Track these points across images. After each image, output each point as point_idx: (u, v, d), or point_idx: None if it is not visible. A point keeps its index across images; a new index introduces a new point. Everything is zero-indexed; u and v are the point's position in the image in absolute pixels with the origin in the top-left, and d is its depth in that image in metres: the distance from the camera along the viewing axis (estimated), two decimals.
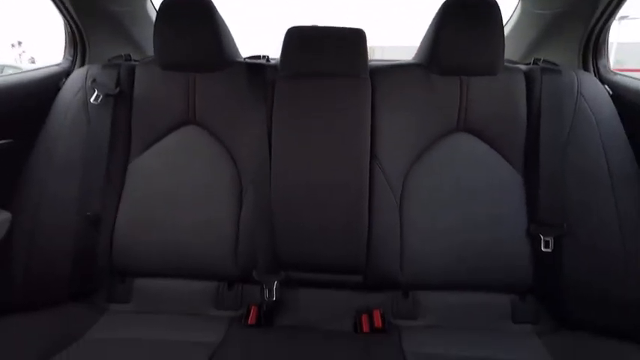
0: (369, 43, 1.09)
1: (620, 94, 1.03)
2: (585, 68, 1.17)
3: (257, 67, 1.10)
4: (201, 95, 1.08)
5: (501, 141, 1.03)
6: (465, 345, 0.88)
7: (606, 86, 1.05)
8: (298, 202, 1.00)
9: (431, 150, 1.04)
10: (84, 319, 0.94)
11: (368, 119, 1.02)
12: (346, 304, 1.00)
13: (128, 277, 1.04)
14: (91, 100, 1.05)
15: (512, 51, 1.30)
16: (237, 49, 1.19)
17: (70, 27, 1.22)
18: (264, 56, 1.24)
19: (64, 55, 1.26)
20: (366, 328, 0.94)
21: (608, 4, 1.06)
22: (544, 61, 1.10)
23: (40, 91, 1.09)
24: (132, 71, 1.10)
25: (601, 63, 1.16)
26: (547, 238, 0.95)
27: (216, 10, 1.07)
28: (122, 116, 1.08)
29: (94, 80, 1.07)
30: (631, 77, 1.06)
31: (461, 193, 1.00)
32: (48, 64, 1.21)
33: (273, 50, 1.22)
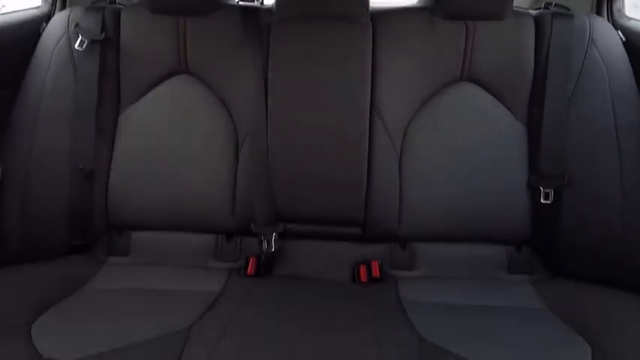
0: None
1: (632, 41, 0.98)
2: (599, 12, 1.11)
3: (251, 9, 1.04)
4: (193, 41, 1.02)
5: (506, 91, 1.00)
6: (460, 294, 0.90)
7: (619, 32, 1.00)
8: (296, 153, 0.97)
9: (433, 100, 1.01)
10: (83, 271, 0.95)
11: (368, 66, 0.98)
12: (344, 255, 1.00)
13: (126, 231, 1.03)
14: (76, 46, 0.99)
15: None
16: None
17: None
18: None
19: None
20: (364, 278, 0.95)
21: None
22: (555, 5, 1.05)
23: (20, 38, 1.02)
24: (117, 15, 1.04)
25: (615, 7, 1.10)
26: (547, 190, 0.95)
27: None
28: (110, 64, 1.03)
29: (76, 25, 1.00)
30: None
31: (462, 145, 0.99)
32: (25, 8, 1.13)
33: None
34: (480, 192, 0.97)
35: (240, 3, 1.11)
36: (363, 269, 0.96)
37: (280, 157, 0.97)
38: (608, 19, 1.09)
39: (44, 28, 1.05)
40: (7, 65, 1.00)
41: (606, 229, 0.90)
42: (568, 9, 1.04)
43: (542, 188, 0.95)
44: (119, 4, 1.11)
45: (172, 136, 1.02)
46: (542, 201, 0.95)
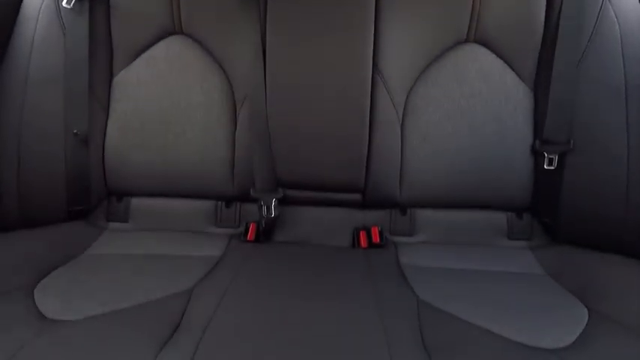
0: None
1: None
2: None
3: None
4: (187, 0, 0.98)
5: (514, 53, 0.97)
6: (459, 259, 0.90)
7: None
8: (296, 117, 0.95)
9: (437, 63, 0.98)
10: (83, 237, 0.95)
11: (371, 26, 0.93)
12: (344, 221, 1.00)
13: (125, 197, 1.03)
14: (63, 3, 0.95)
15: None
16: None
17: None
18: None
19: None
20: (363, 243, 0.96)
21: None
22: None
23: None
24: None
25: None
26: (551, 156, 0.93)
27: None
28: (100, 23, 0.98)
29: None
30: None
31: (466, 109, 0.96)
32: None
33: None
34: (482, 158, 0.96)
35: None
36: (362, 235, 0.96)
37: (279, 122, 0.95)
38: None
39: None
40: None
41: (609, 194, 0.89)
42: None
43: (546, 154, 0.93)
44: None
45: (168, 100, 0.99)
46: (545, 167, 0.93)
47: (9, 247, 0.86)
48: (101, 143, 1.00)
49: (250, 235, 0.96)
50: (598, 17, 0.91)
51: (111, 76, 1.01)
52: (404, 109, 0.97)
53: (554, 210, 0.94)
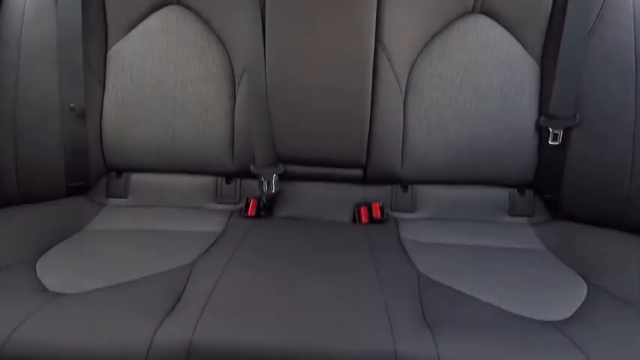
0: None
1: None
2: None
3: None
4: None
5: (521, 25, 0.94)
6: (460, 234, 0.90)
7: None
8: (296, 91, 0.93)
9: (442, 35, 0.95)
10: (83, 212, 0.95)
11: None
12: (345, 197, 1.00)
13: (124, 173, 1.02)
14: None
15: None
16: None
17: None
18: None
19: None
20: (364, 219, 0.95)
21: None
22: None
23: None
24: None
25: None
26: (556, 131, 0.92)
27: None
28: None
29: None
30: None
31: (470, 84, 0.94)
32: None
33: None
34: (486, 133, 0.95)
35: None
36: (364, 210, 0.96)
37: (279, 96, 0.93)
38: None
39: None
40: None
41: (613, 170, 0.88)
42: None
43: (551, 129, 0.92)
44: None
45: (165, 72, 0.97)
46: (550, 142, 0.92)
47: (9, 222, 0.86)
48: (98, 118, 0.98)
49: (251, 211, 0.96)
50: None
51: (106, 48, 0.99)
52: (407, 83, 0.95)
53: (557, 186, 0.94)
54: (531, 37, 0.94)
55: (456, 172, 0.98)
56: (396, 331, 0.57)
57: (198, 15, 0.98)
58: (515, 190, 0.99)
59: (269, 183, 0.94)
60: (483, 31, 0.95)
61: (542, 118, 0.93)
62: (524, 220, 0.98)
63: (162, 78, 0.97)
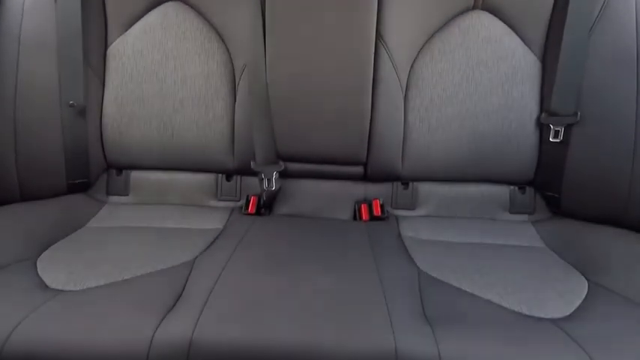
0: None
1: None
2: None
3: None
4: None
5: (523, 20, 0.93)
6: (460, 232, 0.90)
7: None
8: (296, 87, 0.93)
9: (444, 30, 0.95)
10: (84, 210, 0.95)
11: None
12: (346, 194, 0.99)
13: (125, 170, 1.02)
14: None
15: None
16: None
17: None
18: None
19: None
20: (365, 216, 0.95)
21: None
22: None
23: None
24: None
25: None
26: (557, 128, 0.91)
27: None
28: None
29: None
30: None
31: (471, 81, 0.94)
32: None
33: None
34: (487, 130, 0.94)
35: None
36: (364, 208, 0.96)
37: (280, 92, 0.93)
38: None
39: None
40: None
41: (614, 167, 0.88)
42: None
43: (552, 126, 0.91)
44: None
45: (165, 69, 0.97)
46: (551, 139, 0.92)
47: (10, 220, 0.86)
48: (98, 115, 0.98)
49: (251, 208, 0.96)
50: None
51: (106, 45, 0.98)
52: (407, 79, 0.95)
53: (558, 183, 0.93)
54: (533, 34, 0.94)
55: (457, 170, 0.97)
56: (397, 328, 0.57)
57: (198, 11, 0.98)
58: (516, 188, 0.98)
59: (269, 180, 0.94)
60: (484, 27, 0.94)
61: (543, 115, 0.93)
62: (524, 217, 0.98)
63: (162, 75, 0.97)
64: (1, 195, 0.94)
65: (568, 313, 0.65)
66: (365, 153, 0.96)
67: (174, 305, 0.63)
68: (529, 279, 0.74)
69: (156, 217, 0.93)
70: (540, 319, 0.64)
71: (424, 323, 0.60)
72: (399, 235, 0.89)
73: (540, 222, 0.95)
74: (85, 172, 0.98)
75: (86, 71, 0.94)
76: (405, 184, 1.00)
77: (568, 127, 0.90)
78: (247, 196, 0.98)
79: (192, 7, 0.98)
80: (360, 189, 1.00)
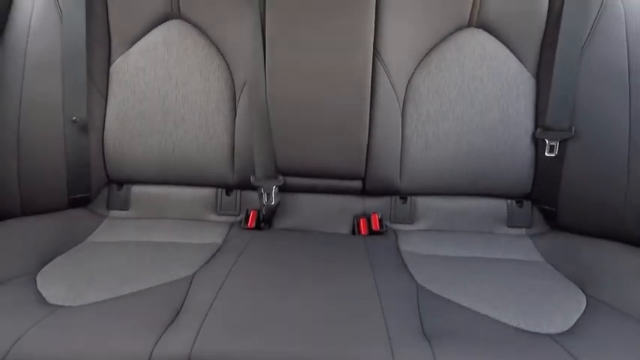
0: None
1: None
2: None
3: None
4: None
5: (517, 37, 0.96)
6: (459, 246, 0.91)
7: None
8: (295, 103, 0.94)
9: (440, 47, 0.97)
10: (84, 224, 0.95)
11: (372, 10, 0.92)
12: (345, 208, 1.00)
13: (125, 184, 1.03)
14: None
15: None
16: None
17: None
18: None
19: None
20: (364, 231, 0.96)
21: None
22: None
23: None
24: None
25: None
26: (552, 143, 0.93)
27: None
28: (97, 8, 0.97)
29: None
30: None
31: (468, 95, 0.96)
32: None
33: None
34: (483, 145, 0.96)
35: None
36: (363, 222, 0.96)
37: (280, 108, 0.94)
38: None
39: None
40: None
41: (610, 182, 0.88)
42: None
43: (547, 141, 0.93)
44: None
45: (167, 85, 0.98)
46: (546, 154, 0.93)
47: (11, 234, 0.87)
48: (100, 130, 1.00)
49: (251, 223, 0.96)
50: (602, 2, 0.90)
51: (109, 62, 1.00)
52: (405, 95, 0.96)
53: (555, 197, 0.94)
54: (527, 50, 0.96)
55: (455, 184, 0.98)
56: (395, 343, 0.57)
57: (199, 29, 1.00)
58: (514, 202, 0.99)
59: (269, 195, 0.95)
60: (479, 44, 0.97)
61: (538, 129, 0.94)
62: (522, 231, 0.98)
63: (164, 91, 0.99)
64: (2, 209, 0.95)
65: (566, 329, 0.65)
66: (363, 167, 0.97)
67: (173, 321, 0.63)
68: (527, 294, 0.74)
69: (156, 232, 0.93)
70: (539, 334, 0.64)
71: (422, 338, 0.60)
72: (398, 249, 0.89)
73: (538, 235, 0.96)
74: (87, 187, 0.99)
75: (89, 87, 0.96)
76: (404, 198, 1.00)
77: (563, 142, 0.92)
78: (247, 210, 0.99)
79: (194, 25, 1.00)
80: (359, 203, 1.00)
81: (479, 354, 0.58)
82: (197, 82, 0.98)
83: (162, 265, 0.79)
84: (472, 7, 0.95)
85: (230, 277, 0.72)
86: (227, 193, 1.02)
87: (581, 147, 0.91)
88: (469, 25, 0.97)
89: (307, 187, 1.00)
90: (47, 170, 0.96)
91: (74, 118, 0.95)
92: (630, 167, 0.87)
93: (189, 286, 0.71)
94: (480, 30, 0.97)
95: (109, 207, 1.02)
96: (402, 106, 0.96)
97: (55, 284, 0.72)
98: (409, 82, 0.97)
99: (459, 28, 0.97)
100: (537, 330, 0.64)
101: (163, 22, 1.00)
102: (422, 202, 1.00)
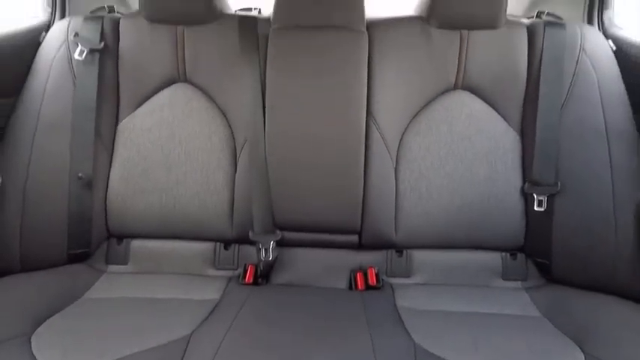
0: None
1: (623, 50, 1.00)
2: (590, 21, 1.13)
3: (249, 19, 1.05)
4: (191, 50, 1.04)
5: (500, 99, 1.02)
6: (456, 301, 0.91)
7: (610, 41, 1.02)
8: (293, 160, 0.98)
9: (428, 108, 1.03)
10: (82, 280, 0.95)
11: (364, 74, 0.99)
12: (341, 262, 1.01)
13: (125, 239, 1.04)
14: (75, 55, 1.00)
15: (515, 5, 1.25)
16: (226, 1, 1.13)
17: None
18: (255, 8, 1.18)
19: (42, 7, 1.19)
20: (360, 285, 0.96)
21: None
22: (548, 14, 1.07)
23: (20, 47, 1.03)
24: (116, 24, 1.05)
25: (606, 16, 1.12)
26: (540, 197, 0.96)
27: None
28: (109, 73, 1.04)
29: (76, 34, 1.02)
30: (635, 33, 1.03)
31: (457, 152, 1.00)
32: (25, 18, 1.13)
33: (264, 2, 1.16)
34: (475, 199, 0.99)
35: (238, 13, 1.12)
36: (360, 277, 0.97)
37: (278, 165, 0.98)
38: (599, 29, 1.11)
39: (44, 37, 1.06)
40: (8, 74, 1.01)
41: (598, 237, 0.91)
42: (560, 18, 1.06)
43: (535, 195, 0.96)
44: (118, 12, 1.12)
45: (171, 144, 1.02)
46: (535, 208, 0.96)
47: (7, 293, 0.87)
48: (104, 186, 1.02)
49: (248, 278, 0.97)
50: (576, 66, 0.97)
51: (117, 121, 1.05)
52: (397, 152, 1.01)
53: (548, 251, 0.96)
54: (510, 110, 1.02)
55: (449, 237, 1.00)
56: None
57: (203, 91, 1.05)
58: (508, 254, 1.00)
59: (267, 250, 0.96)
60: (466, 105, 1.03)
61: (526, 184, 0.98)
62: (518, 284, 0.99)
63: (168, 149, 1.02)
64: (1, 265, 0.95)
65: None
66: (359, 222, 0.99)
67: None
68: (525, 351, 0.74)
69: (153, 287, 0.93)
70: None
71: None
72: (395, 305, 0.89)
73: (534, 289, 0.96)
74: (87, 242, 1.00)
75: (96, 145, 1.00)
76: (400, 251, 1.02)
77: (551, 197, 0.95)
78: (245, 265, 0.99)
79: (198, 87, 1.06)
80: (356, 257, 1.02)
81: None
82: (200, 140, 1.03)
83: (159, 323, 0.78)
84: (457, 71, 1.03)
85: (228, 336, 0.72)
86: (225, 248, 1.03)
87: (568, 202, 0.94)
88: (455, 87, 1.04)
89: (304, 241, 1.02)
90: (49, 226, 0.97)
91: (80, 174, 0.98)
92: (617, 222, 0.90)
93: (187, 346, 0.71)
94: (466, 92, 1.03)
95: (107, 262, 1.02)
96: (395, 163, 1.00)
97: (50, 348, 0.71)
98: (401, 140, 1.01)
99: (446, 90, 1.04)
100: None
101: (170, 85, 1.06)
102: (418, 255, 1.01)
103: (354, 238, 1.02)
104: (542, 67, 0.98)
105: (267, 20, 1.06)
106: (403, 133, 1.02)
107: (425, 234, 1.00)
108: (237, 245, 1.03)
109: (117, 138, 1.04)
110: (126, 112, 1.05)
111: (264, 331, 0.75)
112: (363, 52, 1.00)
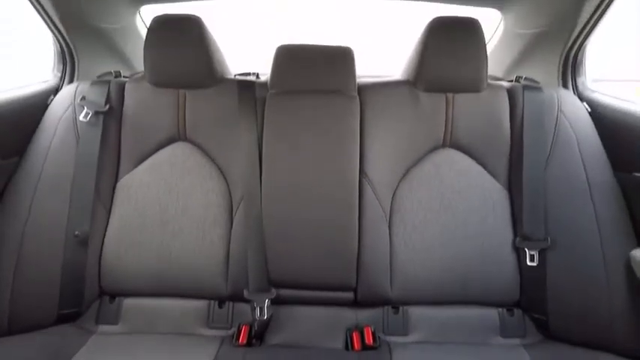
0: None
1: (597, 111, 1.07)
2: (565, 85, 1.22)
3: (247, 84, 1.11)
4: (192, 112, 1.09)
5: (486, 156, 1.06)
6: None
7: (585, 103, 1.09)
8: (289, 219, 1.00)
9: (419, 166, 1.07)
10: (71, 343, 0.92)
11: (357, 136, 1.04)
12: (337, 321, 1.00)
13: (117, 297, 1.02)
14: (80, 117, 1.04)
15: (495, 68, 1.35)
16: (227, 66, 1.20)
17: (59, 43, 1.22)
18: (253, 73, 1.26)
19: (53, 72, 1.26)
20: (357, 345, 0.94)
21: (585, 25, 1.11)
22: (525, 78, 1.15)
23: (28, 109, 1.08)
24: (122, 88, 1.10)
25: (580, 80, 1.20)
26: (532, 252, 0.97)
27: (206, 27, 1.08)
28: (112, 133, 1.08)
29: (83, 98, 1.07)
30: (607, 95, 1.11)
31: (448, 208, 1.02)
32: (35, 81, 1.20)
33: (262, 66, 1.23)
34: (468, 253, 1.00)
35: (237, 77, 1.19)
36: (356, 337, 0.95)
37: (273, 223, 1.00)
38: (573, 92, 1.19)
39: (52, 100, 1.11)
40: (16, 135, 1.04)
41: (592, 294, 0.91)
42: (537, 82, 1.14)
43: (527, 250, 0.97)
44: (125, 77, 1.19)
45: (168, 199, 1.04)
46: (528, 263, 0.97)
47: None
48: (100, 243, 1.02)
49: (242, 339, 0.94)
50: (556, 126, 1.03)
51: (116, 179, 1.07)
52: (390, 208, 1.03)
53: (544, 306, 0.96)
54: (497, 167, 1.06)
55: (444, 292, 1.00)
56: None
57: (202, 149, 1.09)
58: (505, 310, 1.00)
59: (261, 309, 0.95)
60: (454, 161, 1.07)
61: (518, 238, 1.00)
62: (516, 341, 0.97)
63: (165, 204, 1.04)
64: None
65: None
66: (354, 278, 0.99)
67: None
68: None
69: (143, 351, 0.90)
70: None
71: None
72: None
73: (532, 346, 0.95)
74: (78, 301, 0.98)
75: (95, 203, 1.01)
76: (396, 307, 1.01)
77: (542, 252, 0.97)
78: (239, 325, 0.97)
79: (197, 146, 1.09)
80: (351, 315, 1.00)
81: None
82: (197, 196, 1.04)
83: None
84: (445, 131, 1.08)
85: None
86: (220, 306, 1.01)
87: (559, 257, 0.95)
88: (444, 145, 1.08)
89: (300, 298, 1.01)
90: (42, 287, 0.96)
91: (76, 232, 0.98)
92: (609, 279, 0.90)
93: None
94: (454, 149, 1.08)
95: (97, 321, 1.00)
96: (388, 218, 1.02)
97: None
98: (393, 196, 1.04)
99: (435, 148, 1.08)
100: None
101: (170, 144, 1.09)
102: (414, 312, 1.00)
103: (350, 295, 1.01)
104: (524, 127, 1.04)
105: (264, 84, 1.12)
106: (395, 189, 1.05)
107: (421, 288, 1.00)
108: (231, 303, 1.01)
109: (116, 195, 1.06)
110: (126, 169, 1.08)
111: None
112: (355, 114, 1.05)
